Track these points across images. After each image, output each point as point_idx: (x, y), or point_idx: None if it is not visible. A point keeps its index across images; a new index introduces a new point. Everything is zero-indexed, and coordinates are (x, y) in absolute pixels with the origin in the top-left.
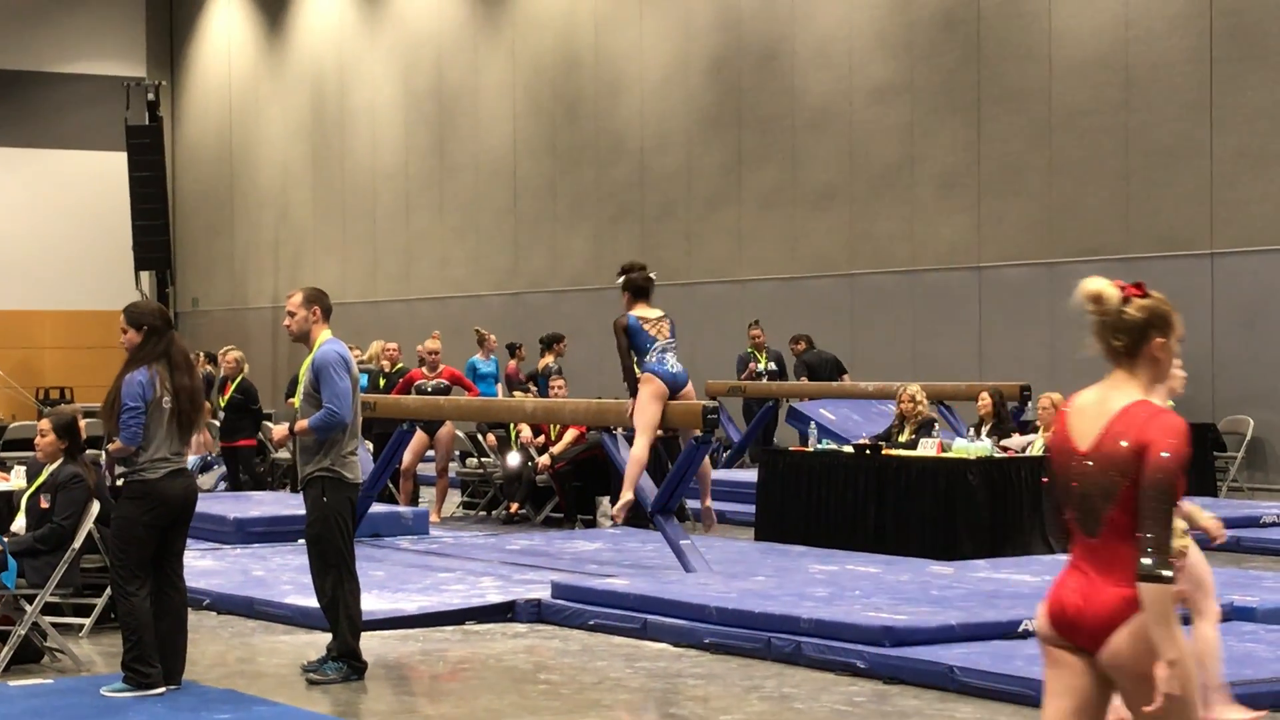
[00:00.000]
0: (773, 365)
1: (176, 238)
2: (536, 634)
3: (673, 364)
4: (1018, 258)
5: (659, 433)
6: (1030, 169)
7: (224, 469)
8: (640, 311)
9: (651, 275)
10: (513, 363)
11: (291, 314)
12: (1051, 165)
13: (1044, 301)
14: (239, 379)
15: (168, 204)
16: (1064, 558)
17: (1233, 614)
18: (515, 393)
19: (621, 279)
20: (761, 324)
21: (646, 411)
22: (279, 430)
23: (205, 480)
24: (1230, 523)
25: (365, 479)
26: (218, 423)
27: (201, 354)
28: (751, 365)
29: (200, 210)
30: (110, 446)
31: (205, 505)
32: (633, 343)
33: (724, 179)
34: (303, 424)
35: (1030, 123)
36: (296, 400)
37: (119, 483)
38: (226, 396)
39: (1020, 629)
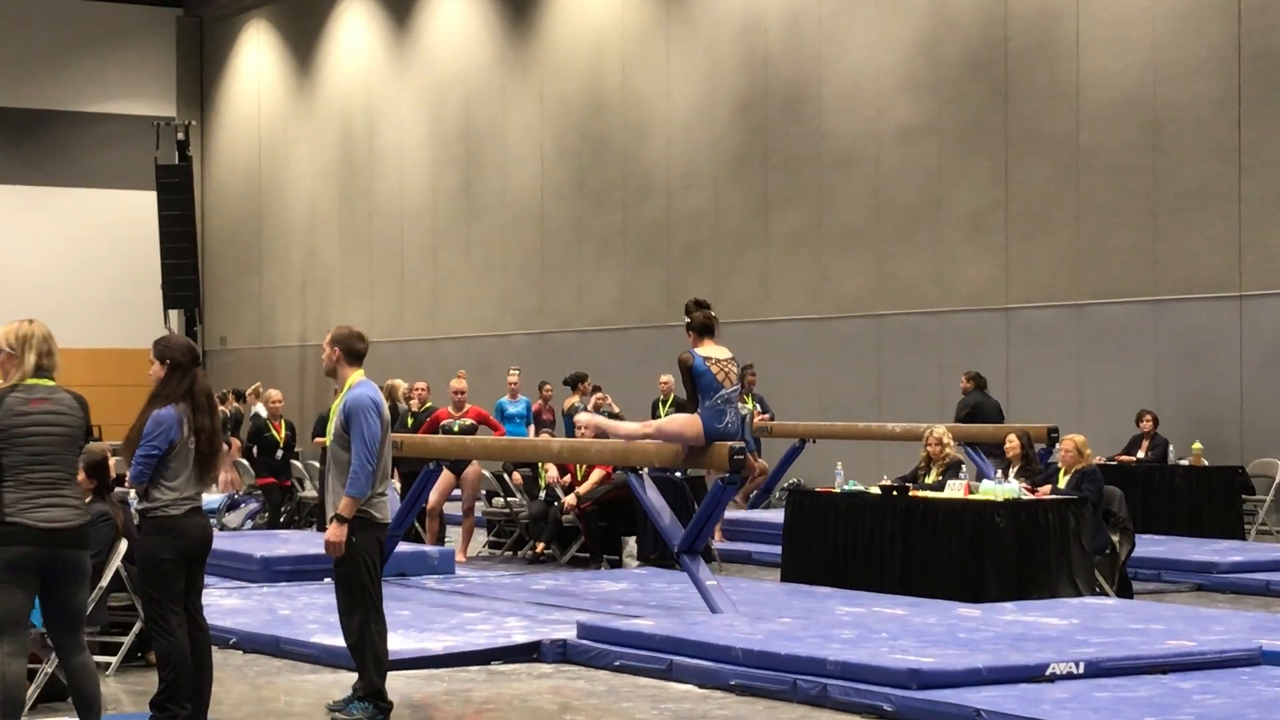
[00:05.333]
0: (757, 406)
1: (205, 276)
2: (562, 674)
3: (730, 421)
4: (1045, 299)
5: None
6: (1058, 211)
7: (252, 507)
8: (706, 351)
9: (714, 314)
10: (538, 402)
11: (323, 351)
12: (1079, 207)
13: (1071, 343)
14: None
15: (196, 243)
16: (1091, 601)
17: (1262, 659)
18: (544, 432)
19: (688, 319)
20: (755, 368)
21: (669, 440)
22: (333, 532)
23: (233, 519)
24: (1259, 566)
25: (392, 518)
26: (246, 462)
27: (230, 392)
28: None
29: (229, 249)
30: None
31: (232, 543)
32: (698, 384)
33: (750, 220)
34: (345, 503)
35: (1058, 164)
36: (327, 439)
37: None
38: (281, 435)
39: (1047, 673)
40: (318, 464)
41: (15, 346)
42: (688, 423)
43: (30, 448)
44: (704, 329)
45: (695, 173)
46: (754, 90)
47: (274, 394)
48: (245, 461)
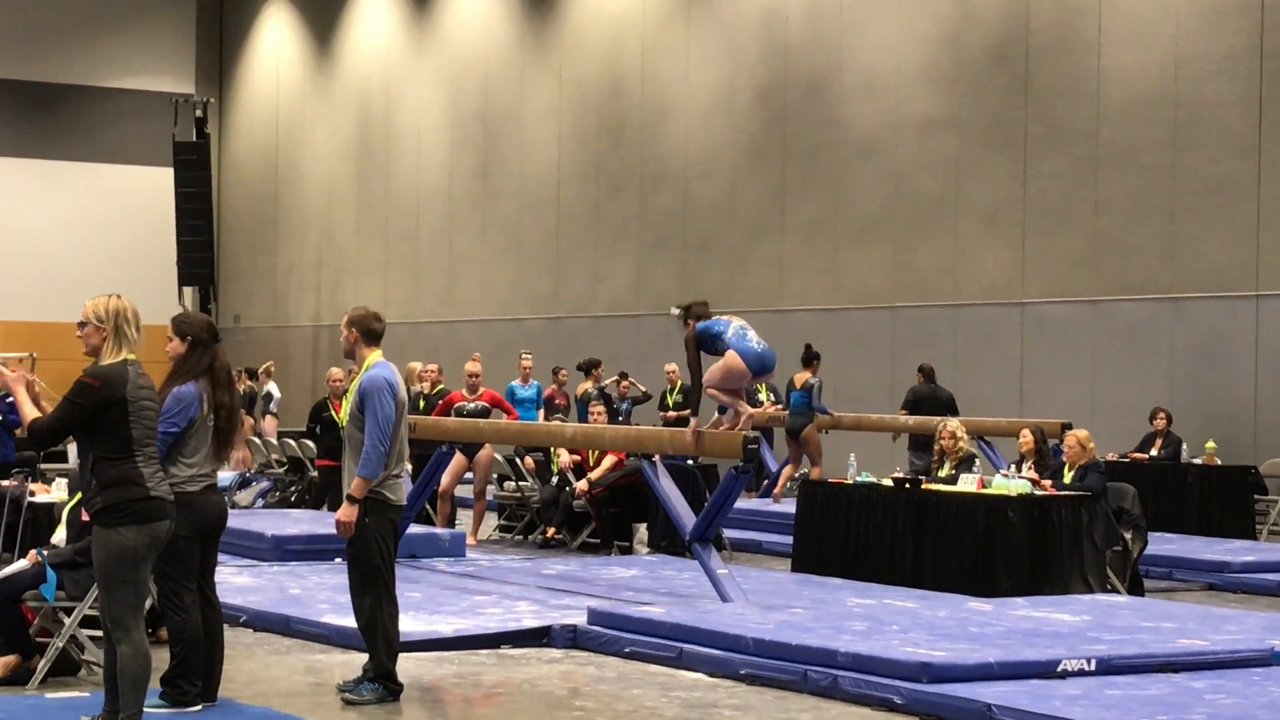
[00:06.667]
0: (770, 396)
1: (220, 254)
2: (572, 660)
3: (756, 340)
4: (1061, 294)
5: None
6: (1076, 206)
7: (263, 485)
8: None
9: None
10: (552, 386)
11: (342, 331)
12: (1097, 203)
13: (1087, 339)
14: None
15: (213, 220)
16: (1103, 598)
17: (1274, 660)
18: (555, 417)
19: (682, 311)
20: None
21: (718, 385)
22: (344, 512)
23: (244, 497)
24: (1272, 567)
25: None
26: (257, 439)
27: (243, 371)
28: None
29: (245, 227)
30: None
31: (243, 522)
32: (706, 334)
33: (767, 208)
34: (357, 483)
35: (1077, 159)
36: (343, 418)
37: None
38: (342, 415)
39: (1059, 669)
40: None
41: (106, 321)
42: (725, 361)
43: (147, 422)
44: (701, 318)
45: (713, 160)
46: (773, 79)
47: (335, 371)
48: (257, 439)
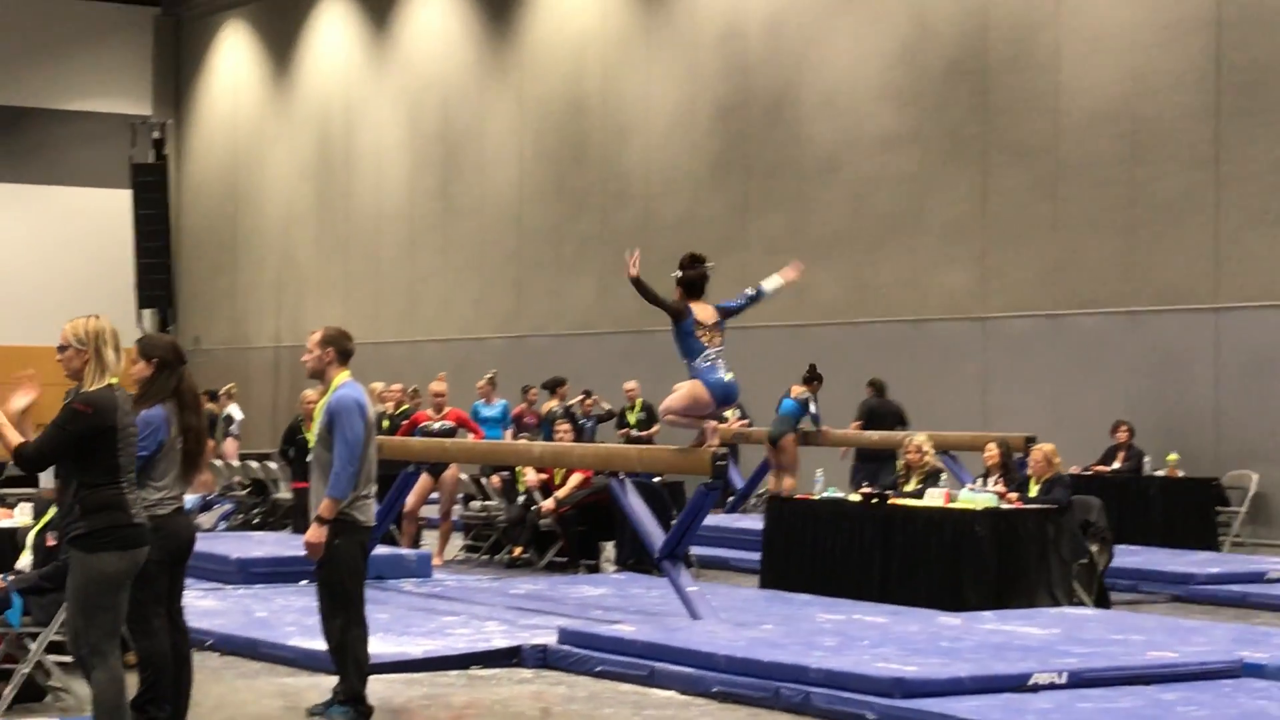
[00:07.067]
0: (737, 413)
1: (179, 276)
2: (542, 680)
3: (724, 373)
4: (1022, 309)
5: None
6: (1036, 221)
7: (226, 508)
8: (697, 312)
9: (709, 269)
10: (522, 405)
11: (310, 351)
12: (1057, 217)
13: (1048, 353)
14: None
15: (171, 242)
16: (1071, 611)
17: (1242, 671)
18: (524, 436)
19: (679, 274)
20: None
21: (682, 416)
22: (313, 534)
23: (206, 519)
24: (1236, 578)
25: None
26: (219, 462)
27: (204, 392)
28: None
29: (204, 249)
30: None
31: (207, 545)
32: (681, 345)
33: (730, 226)
34: (325, 504)
35: (1036, 174)
36: (311, 442)
37: None
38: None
39: (1030, 682)
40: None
41: (86, 343)
42: (689, 390)
43: (132, 449)
44: (692, 287)
45: (675, 178)
46: (734, 96)
47: (310, 394)
48: (219, 462)
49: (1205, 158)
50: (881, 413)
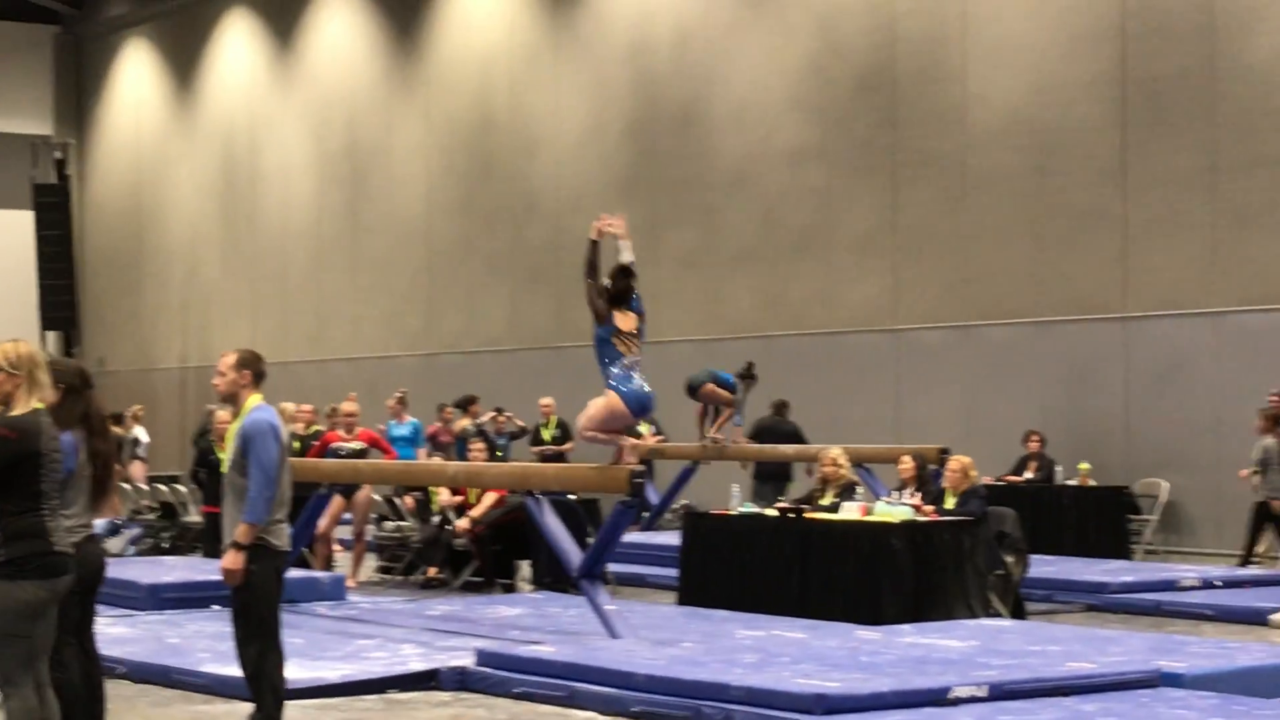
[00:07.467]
0: (652, 428)
1: (83, 297)
2: (461, 703)
3: (640, 383)
4: (933, 320)
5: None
6: (945, 232)
7: (134, 532)
8: (616, 321)
9: (633, 286)
10: (437, 424)
11: (222, 374)
12: (966, 229)
13: (959, 364)
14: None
15: (75, 263)
16: (988, 622)
17: (1160, 680)
18: (439, 455)
19: (608, 282)
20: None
21: (600, 429)
22: (230, 560)
23: (115, 544)
24: (1150, 587)
25: None
26: (126, 485)
27: (110, 416)
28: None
29: (108, 270)
30: None
31: (117, 570)
32: (599, 350)
33: (640, 241)
34: (242, 529)
35: (945, 187)
36: (224, 465)
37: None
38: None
39: (951, 696)
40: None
41: (19, 368)
42: (606, 403)
43: (55, 475)
44: (618, 299)
45: (585, 193)
46: (643, 111)
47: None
48: (126, 485)
49: (1112, 168)
50: (776, 431)
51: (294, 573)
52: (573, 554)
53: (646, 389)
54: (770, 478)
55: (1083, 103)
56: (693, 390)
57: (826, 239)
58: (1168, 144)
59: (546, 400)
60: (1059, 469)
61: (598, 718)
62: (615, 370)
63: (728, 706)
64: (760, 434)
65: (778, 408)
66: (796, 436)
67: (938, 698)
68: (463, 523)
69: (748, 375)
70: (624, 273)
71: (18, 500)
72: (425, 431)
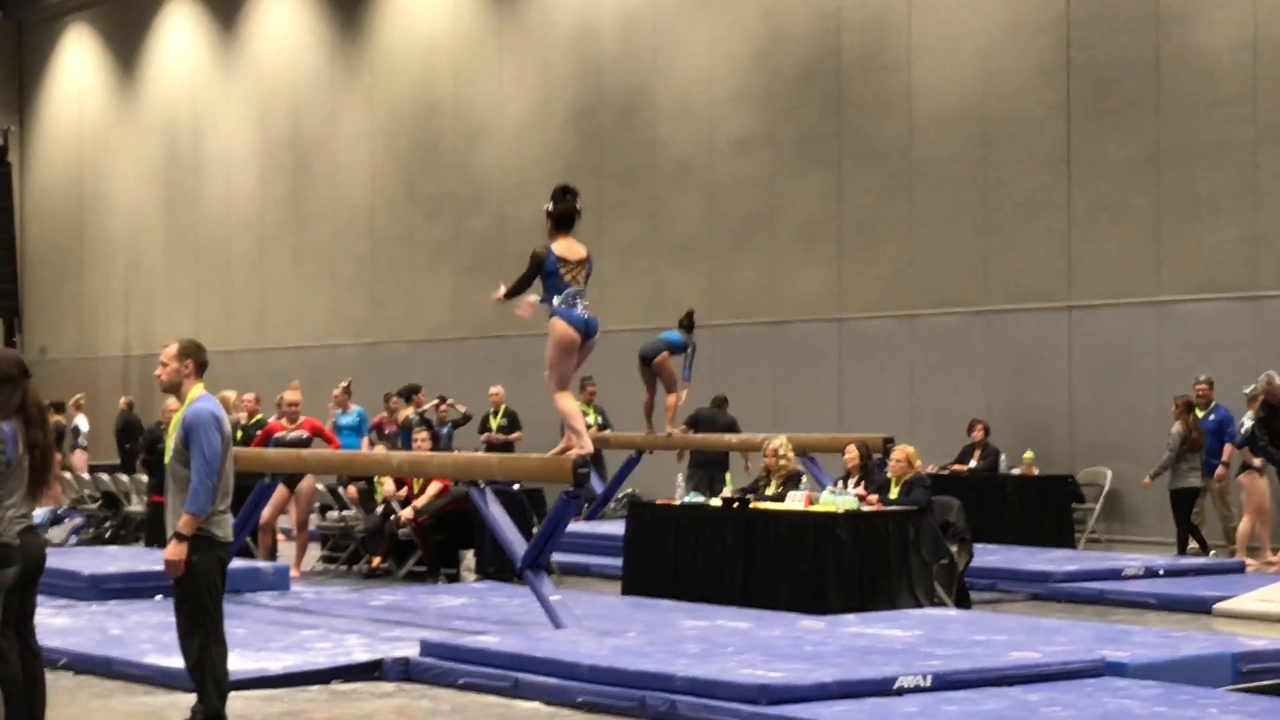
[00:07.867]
0: (599, 419)
1: (24, 284)
2: (405, 693)
3: (583, 310)
4: (878, 309)
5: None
6: (890, 221)
7: (76, 522)
8: (562, 249)
9: (578, 206)
10: (382, 413)
11: (164, 364)
12: (911, 218)
13: (904, 353)
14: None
15: (15, 250)
16: (933, 612)
17: (1104, 670)
18: (383, 444)
19: (549, 206)
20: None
21: (559, 367)
22: (172, 551)
23: (56, 534)
24: (1093, 575)
25: None
26: (68, 474)
27: (51, 404)
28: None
29: (49, 257)
30: None
31: (58, 560)
32: (544, 280)
33: (584, 229)
34: (184, 520)
35: (890, 176)
36: (167, 455)
37: None
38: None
39: (895, 686)
40: (145, 478)
41: None
42: (552, 338)
43: None
44: (562, 221)
45: (528, 181)
46: (587, 99)
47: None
48: (68, 474)
49: (1056, 157)
50: (714, 422)
51: (238, 563)
52: (517, 544)
53: (589, 315)
54: (704, 465)
55: (1027, 92)
56: (646, 361)
57: (771, 228)
58: (1112, 133)
59: (496, 389)
60: (1003, 458)
61: (542, 708)
62: (557, 302)
63: (672, 697)
64: (698, 424)
65: (717, 402)
66: (732, 429)
67: (882, 688)
68: (406, 513)
69: (689, 325)
70: (565, 193)
71: None
72: (370, 421)
